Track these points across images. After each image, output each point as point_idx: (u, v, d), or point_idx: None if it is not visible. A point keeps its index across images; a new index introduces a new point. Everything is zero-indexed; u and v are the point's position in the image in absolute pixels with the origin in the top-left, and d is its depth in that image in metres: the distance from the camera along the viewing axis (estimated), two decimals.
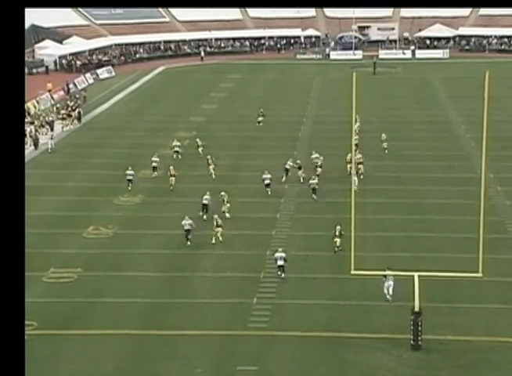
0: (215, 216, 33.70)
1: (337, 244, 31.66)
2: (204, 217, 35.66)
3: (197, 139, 48.73)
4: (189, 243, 32.89)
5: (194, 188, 40.47)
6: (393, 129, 53.45)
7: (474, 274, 24.04)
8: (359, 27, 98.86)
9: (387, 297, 27.24)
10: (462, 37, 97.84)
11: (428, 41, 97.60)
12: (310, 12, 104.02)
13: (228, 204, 36.44)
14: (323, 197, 39.11)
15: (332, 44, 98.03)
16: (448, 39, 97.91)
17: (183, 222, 33.06)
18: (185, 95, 69.30)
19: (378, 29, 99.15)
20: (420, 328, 23.74)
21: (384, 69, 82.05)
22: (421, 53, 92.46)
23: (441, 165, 44.65)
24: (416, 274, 24.26)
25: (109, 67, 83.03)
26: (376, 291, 27.99)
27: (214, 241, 33.14)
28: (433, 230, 34.41)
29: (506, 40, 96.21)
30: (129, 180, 41.15)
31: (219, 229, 33.20)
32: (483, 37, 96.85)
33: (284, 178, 41.73)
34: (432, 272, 25.58)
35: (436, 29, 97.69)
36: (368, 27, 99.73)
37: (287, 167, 42.22)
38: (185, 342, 24.91)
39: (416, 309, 23.84)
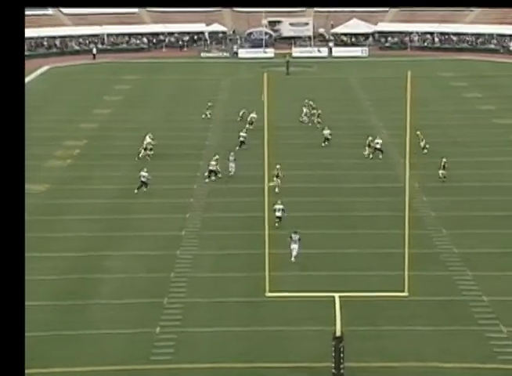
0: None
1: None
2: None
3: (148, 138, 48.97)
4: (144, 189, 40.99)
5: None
6: (309, 135, 54.29)
7: (399, 293, 24.60)
8: (270, 23, 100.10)
9: (292, 259, 31.71)
10: (381, 33, 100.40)
11: (345, 38, 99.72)
12: None
13: (279, 180, 41.21)
14: (235, 210, 39.38)
15: (240, 41, 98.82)
16: (366, 36, 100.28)
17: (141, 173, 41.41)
18: (74, 99, 68.40)
19: (290, 24, 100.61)
20: (342, 355, 24.04)
21: (299, 68, 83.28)
22: (338, 51, 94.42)
23: (364, 174, 45.60)
24: (336, 295, 24.61)
25: None
26: (294, 315, 28.28)
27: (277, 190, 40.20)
28: (355, 246, 35.05)
29: (428, 36, 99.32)
30: None
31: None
32: (404, 33, 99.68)
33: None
34: (354, 293, 26.02)
35: (353, 24, 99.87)
36: (279, 22, 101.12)
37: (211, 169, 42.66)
38: None
39: (338, 333, 24.15)
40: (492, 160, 47.86)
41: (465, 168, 46.41)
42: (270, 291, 24.72)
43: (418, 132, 49.11)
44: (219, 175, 43.85)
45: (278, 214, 36.77)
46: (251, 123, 55.02)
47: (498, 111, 62.55)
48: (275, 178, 41.75)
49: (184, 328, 27.71)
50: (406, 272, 23.75)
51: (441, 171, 44.15)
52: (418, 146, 48.29)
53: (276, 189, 41.23)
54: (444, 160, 44.40)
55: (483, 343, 26.62)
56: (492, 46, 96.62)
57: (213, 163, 43.82)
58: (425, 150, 48.71)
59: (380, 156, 48.67)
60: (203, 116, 60.44)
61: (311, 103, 60.99)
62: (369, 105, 65.56)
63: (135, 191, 41.97)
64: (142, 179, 42.24)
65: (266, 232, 23.93)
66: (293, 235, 33.35)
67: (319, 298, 26.52)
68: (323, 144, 51.31)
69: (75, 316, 28.64)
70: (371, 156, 48.82)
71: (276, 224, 36.17)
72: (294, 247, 33.10)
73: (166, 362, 25.51)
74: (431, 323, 28.00)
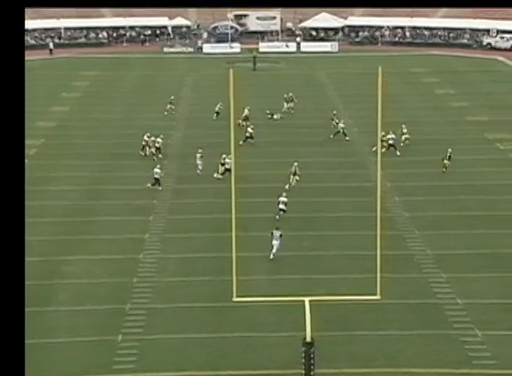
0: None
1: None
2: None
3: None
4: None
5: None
6: (279, 133, 54.37)
7: (371, 297, 24.73)
8: (236, 16, 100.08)
9: (271, 256, 32.83)
10: (351, 28, 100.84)
11: (314, 33, 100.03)
12: None
13: (297, 177, 41.98)
14: (201, 212, 39.35)
15: (205, 35, 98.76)
16: (336, 30, 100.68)
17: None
18: (31, 97, 67.66)
19: (257, 18, 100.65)
20: (312, 361, 24.12)
21: (266, 64, 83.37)
22: (307, 46, 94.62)
23: (334, 174, 45.77)
24: (306, 299, 24.69)
25: None
26: (263, 320, 28.33)
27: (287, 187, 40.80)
28: (326, 248, 35.19)
29: (400, 31, 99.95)
30: None
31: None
32: (375, 27, 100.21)
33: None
34: (325, 297, 26.14)
35: (322, 19, 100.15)
36: (245, 15, 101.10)
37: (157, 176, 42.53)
38: None
39: (308, 339, 24.22)
40: (466, 158, 48.28)
41: (438, 167, 46.75)
42: (237, 296, 24.70)
43: (403, 125, 51.19)
44: (159, 187, 43.03)
45: (281, 206, 38.12)
46: (244, 119, 55.14)
47: (471, 108, 63.12)
48: (292, 176, 42.71)
49: (147, 335, 27.64)
50: (378, 275, 23.88)
51: (446, 161, 45.89)
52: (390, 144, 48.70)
53: (286, 186, 41.71)
54: (449, 150, 46.34)
55: (457, 347, 26.88)
56: (465, 41, 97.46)
57: (157, 170, 43.06)
58: (406, 142, 50.42)
59: (398, 152, 49.08)
60: (166, 112, 60.38)
61: (290, 94, 61.69)
62: (339, 101, 65.80)
63: (148, 185, 42.61)
64: (156, 176, 42.61)
65: (233, 234, 23.92)
66: (274, 231, 33.94)
67: (289, 303, 26.56)
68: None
69: (33, 324, 28.35)
70: (383, 150, 49.40)
71: (277, 216, 37.86)
72: (275, 243, 33.72)
73: (129, 371, 25.43)
74: (404, 327, 28.20)
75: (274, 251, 33.75)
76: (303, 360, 24.13)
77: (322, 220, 38.61)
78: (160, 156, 47.87)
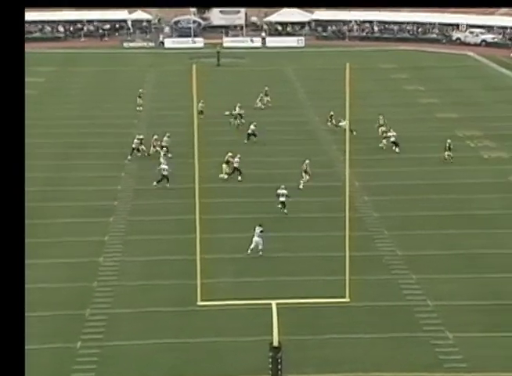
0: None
1: None
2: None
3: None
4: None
5: None
6: (240, 130, 54.38)
7: (340, 299, 24.89)
8: (198, 10, 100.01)
9: (248, 251, 33.66)
10: (318, 22, 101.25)
11: (280, 27, 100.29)
12: None
13: (307, 176, 42.37)
14: (164, 213, 39.32)
15: (166, 29, 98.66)
16: (302, 25, 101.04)
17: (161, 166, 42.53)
18: None
19: (221, 12, 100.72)
20: (280, 366, 24.23)
21: (230, 60, 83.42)
22: (273, 41, 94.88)
23: (301, 173, 45.85)
24: (273, 302, 24.79)
25: None
26: (228, 325, 28.39)
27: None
28: (293, 249, 35.32)
29: (368, 25, 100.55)
30: None
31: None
32: (342, 22, 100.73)
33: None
34: (292, 299, 26.28)
35: (288, 12, 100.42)
36: (208, 9, 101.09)
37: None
38: None
39: (275, 343, 24.32)
40: (437, 156, 48.69)
41: (408, 166, 47.15)
42: (202, 300, 24.73)
43: (380, 116, 52.72)
44: (167, 184, 43.19)
45: (282, 199, 38.92)
46: (237, 117, 55.14)
47: (441, 105, 63.69)
48: (303, 174, 43.08)
49: (108, 342, 27.56)
50: (347, 277, 24.05)
51: (446, 153, 47.31)
52: (359, 143, 48.96)
53: (301, 186, 42.25)
54: (448, 141, 47.75)
55: (428, 350, 27.14)
56: (434, 36, 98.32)
57: (165, 167, 43.45)
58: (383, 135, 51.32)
59: (397, 149, 49.57)
60: (138, 107, 61.06)
61: (267, 88, 62.94)
62: (306, 98, 66.04)
63: (154, 184, 42.70)
64: (164, 173, 42.78)
65: (197, 235, 23.95)
66: (256, 228, 34.36)
67: (255, 306, 26.64)
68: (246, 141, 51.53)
69: None
70: (384, 147, 50.07)
71: (281, 209, 39.00)
72: (257, 240, 34.20)
73: None
74: (374, 331, 28.42)
75: (261, 247, 34.27)
76: (270, 366, 24.23)
77: (289, 221, 38.73)
78: (169, 155, 47.42)
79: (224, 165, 44.85)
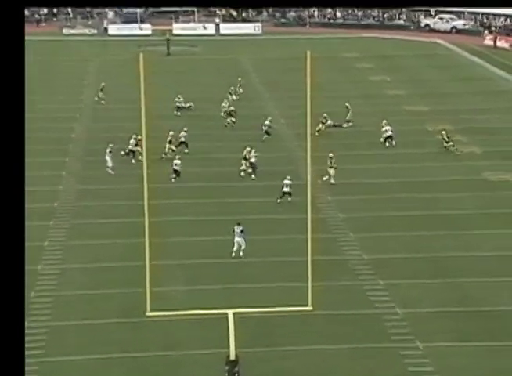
0: None
1: None
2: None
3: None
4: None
5: None
6: (196, 126, 54.30)
7: (302, 308, 24.95)
8: None
9: (240, 253, 34.16)
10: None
11: (235, 13, 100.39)
12: None
13: (333, 169, 43.21)
14: (109, 216, 39.13)
15: (110, 15, 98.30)
16: (259, 10, 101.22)
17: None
18: None
19: None
20: None
21: (181, 48, 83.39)
22: (227, 28, 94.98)
23: (259, 170, 45.92)
24: (230, 311, 24.80)
25: None
26: (181, 337, 28.31)
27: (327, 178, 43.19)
28: (251, 254, 35.30)
29: (330, 11, 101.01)
30: None
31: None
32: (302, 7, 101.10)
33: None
34: (250, 308, 26.26)
35: None
36: None
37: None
38: None
39: (232, 356, 24.33)
40: (406, 152, 49.04)
41: (375, 162, 47.43)
42: (151, 310, 24.66)
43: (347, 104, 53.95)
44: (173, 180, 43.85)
45: (286, 189, 40.27)
46: (230, 114, 55.19)
47: (408, 97, 64.20)
48: (328, 169, 43.67)
49: (49, 357, 27.33)
50: (310, 283, 24.12)
51: (445, 144, 48.82)
52: (321, 138, 49.09)
53: (332, 180, 43.45)
54: (443, 132, 49.57)
55: (397, 362, 27.27)
56: (402, 22, 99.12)
57: (178, 162, 44.01)
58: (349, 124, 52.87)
59: (394, 142, 50.30)
60: (102, 101, 60.89)
61: (239, 79, 64.00)
62: (264, 90, 66.13)
63: (172, 180, 43.58)
64: (175, 167, 43.55)
65: (147, 240, 23.88)
66: (235, 227, 34.48)
67: (210, 316, 26.64)
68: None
69: None
70: (387, 144, 50.73)
71: (278, 200, 40.52)
72: (238, 240, 34.35)
73: None
74: (339, 341, 28.51)
75: (243, 247, 34.41)
76: None
77: (246, 223, 38.67)
78: (186, 150, 47.97)
79: (243, 161, 45.32)
